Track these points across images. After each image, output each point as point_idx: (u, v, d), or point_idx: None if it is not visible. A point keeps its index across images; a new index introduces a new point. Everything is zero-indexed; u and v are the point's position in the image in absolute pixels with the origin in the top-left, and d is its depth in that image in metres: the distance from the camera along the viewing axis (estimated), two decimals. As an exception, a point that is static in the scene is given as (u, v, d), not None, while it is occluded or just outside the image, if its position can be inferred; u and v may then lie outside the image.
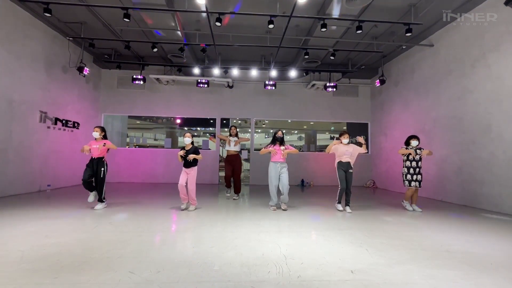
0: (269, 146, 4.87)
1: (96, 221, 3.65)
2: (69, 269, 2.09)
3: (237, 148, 5.76)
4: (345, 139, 4.78)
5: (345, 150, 4.73)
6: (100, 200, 4.49)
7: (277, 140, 4.80)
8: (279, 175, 4.71)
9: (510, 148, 4.76)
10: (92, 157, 4.43)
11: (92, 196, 4.46)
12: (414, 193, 4.93)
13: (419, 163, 4.87)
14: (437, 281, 2.01)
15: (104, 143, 4.46)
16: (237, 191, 5.83)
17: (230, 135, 5.83)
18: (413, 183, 4.85)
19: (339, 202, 4.82)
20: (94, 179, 4.44)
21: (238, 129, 6.00)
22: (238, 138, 5.81)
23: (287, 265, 2.24)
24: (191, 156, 4.41)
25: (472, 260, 2.46)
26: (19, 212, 4.06)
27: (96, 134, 4.50)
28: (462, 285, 1.97)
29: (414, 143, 4.95)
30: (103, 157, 4.49)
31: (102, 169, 4.43)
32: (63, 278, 1.95)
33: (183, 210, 4.45)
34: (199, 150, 4.61)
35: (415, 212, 4.75)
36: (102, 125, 8.73)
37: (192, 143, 4.61)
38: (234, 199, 5.75)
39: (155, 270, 2.11)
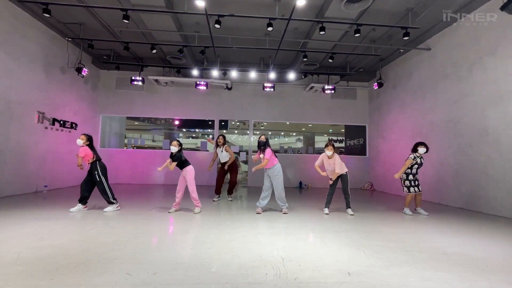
0: (257, 153, 4.74)
1: (92, 222, 3.63)
2: (65, 271, 2.08)
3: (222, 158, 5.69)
4: (329, 151, 4.59)
5: (328, 164, 4.70)
6: (110, 202, 4.34)
7: (260, 145, 4.64)
8: (270, 179, 4.65)
9: (506, 151, 4.80)
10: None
11: (76, 208, 4.24)
12: (417, 196, 4.90)
13: (419, 168, 4.82)
14: (433, 283, 2.02)
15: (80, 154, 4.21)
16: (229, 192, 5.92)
17: (217, 145, 5.71)
18: (412, 189, 4.78)
19: (326, 206, 4.74)
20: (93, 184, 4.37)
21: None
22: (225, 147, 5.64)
23: (284, 267, 2.24)
24: (172, 166, 4.23)
25: (468, 263, 2.47)
26: (15, 213, 4.03)
27: (80, 141, 4.25)
28: (458, 287, 1.99)
29: (421, 150, 4.75)
30: (94, 161, 4.33)
31: (96, 172, 4.29)
32: (59, 279, 1.94)
33: (170, 213, 4.30)
34: (180, 156, 4.30)
35: (413, 215, 4.72)
36: (96, 129, 8.69)
37: (180, 150, 4.36)
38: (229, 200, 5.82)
39: (152, 272, 2.10)
